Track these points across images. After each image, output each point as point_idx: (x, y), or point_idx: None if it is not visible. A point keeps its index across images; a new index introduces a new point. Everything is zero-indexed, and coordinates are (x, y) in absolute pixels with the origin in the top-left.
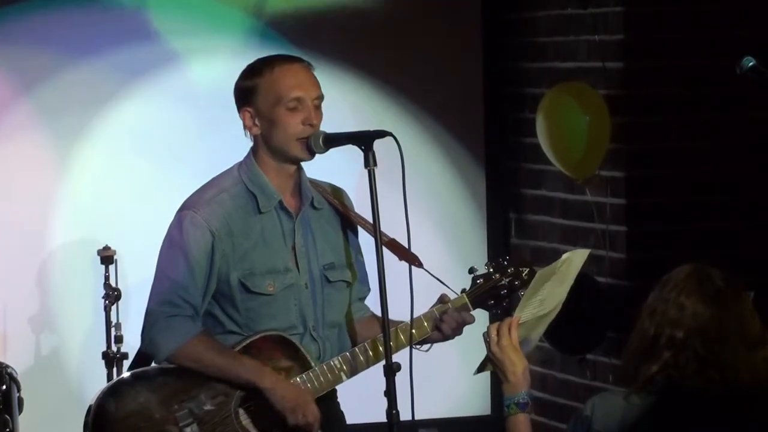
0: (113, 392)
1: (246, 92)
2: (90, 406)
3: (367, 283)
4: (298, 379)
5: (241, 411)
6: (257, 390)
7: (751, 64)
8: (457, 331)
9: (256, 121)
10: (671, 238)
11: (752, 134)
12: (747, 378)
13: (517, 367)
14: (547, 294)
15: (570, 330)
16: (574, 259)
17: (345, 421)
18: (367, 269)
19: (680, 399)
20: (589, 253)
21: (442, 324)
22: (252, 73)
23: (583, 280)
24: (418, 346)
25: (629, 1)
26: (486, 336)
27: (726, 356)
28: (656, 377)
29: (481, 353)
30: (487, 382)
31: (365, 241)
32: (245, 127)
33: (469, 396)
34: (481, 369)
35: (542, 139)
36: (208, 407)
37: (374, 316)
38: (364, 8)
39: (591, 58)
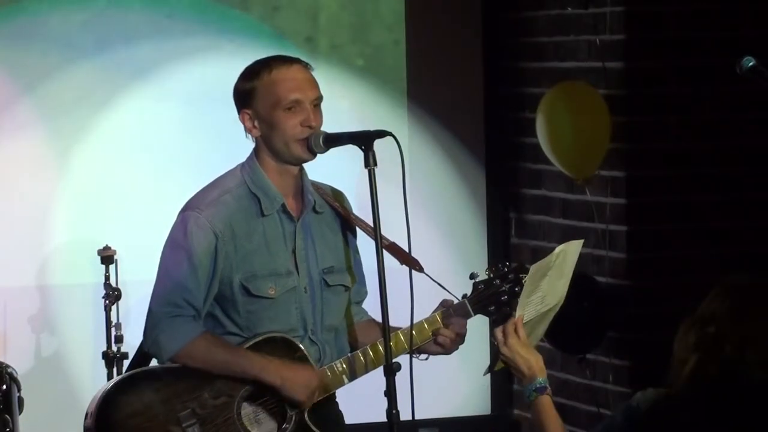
0: (116, 391)
1: (244, 94)
2: (91, 406)
3: (365, 284)
4: None
5: (243, 412)
6: (264, 384)
7: (751, 64)
8: (454, 344)
9: (256, 124)
10: (671, 238)
11: (752, 134)
12: None
13: (530, 361)
14: (547, 290)
15: (570, 330)
16: (569, 251)
17: (344, 421)
18: (366, 272)
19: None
20: (582, 243)
21: (438, 337)
22: (250, 75)
23: (583, 280)
24: (416, 355)
25: (629, 1)
26: (494, 339)
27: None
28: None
29: (481, 353)
30: (487, 381)
31: (365, 244)
32: (245, 129)
33: (469, 396)
34: (491, 368)
35: (542, 139)
36: (210, 407)
37: (372, 320)
38: (364, 8)
39: (591, 58)
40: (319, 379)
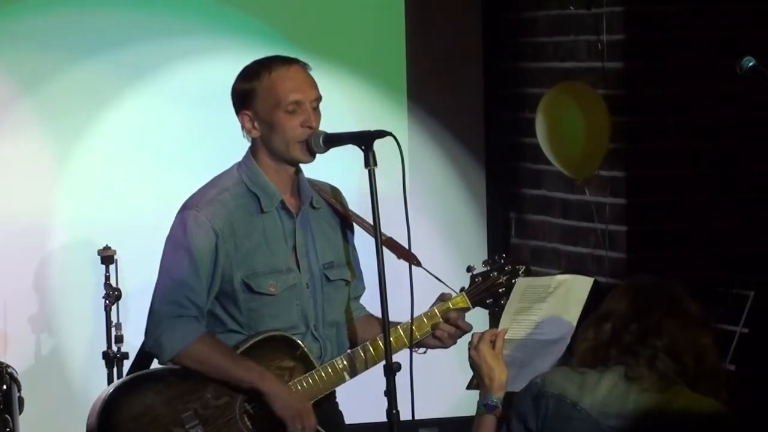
0: (118, 393)
1: (244, 95)
2: (94, 409)
3: (363, 280)
4: (301, 379)
5: (245, 412)
6: (259, 394)
7: (751, 64)
8: (453, 338)
9: (255, 125)
10: (671, 238)
11: (752, 134)
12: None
13: (495, 372)
14: (545, 318)
15: None
16: (575, 287)
17: (344, 421)
18: (365, 269)
19: None
20: (593, 282)
21: (436, 331)
22: (249, 76)
23: None
24: (414, 349)
25: (629, 1)
26: (469, 345)
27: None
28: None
29: None
30: None
31: (363, 240)
32: (244, 129)
33: (469, 396)
34: (471, 384)
35: (542, 139)
36: (212, 408)
37: (371, 315)
38: (364, 8)
39: (591, 58)
40: (305, 410)
